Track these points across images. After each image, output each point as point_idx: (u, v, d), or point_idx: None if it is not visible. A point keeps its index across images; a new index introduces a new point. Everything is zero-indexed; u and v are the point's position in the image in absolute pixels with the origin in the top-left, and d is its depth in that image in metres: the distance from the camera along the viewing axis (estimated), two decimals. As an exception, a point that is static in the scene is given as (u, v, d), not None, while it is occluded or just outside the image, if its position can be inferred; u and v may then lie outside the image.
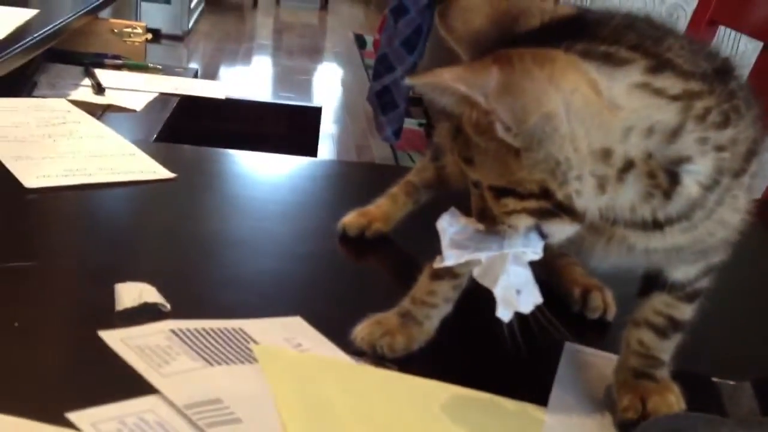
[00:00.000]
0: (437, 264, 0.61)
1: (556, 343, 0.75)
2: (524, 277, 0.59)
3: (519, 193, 0.55)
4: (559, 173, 0.54)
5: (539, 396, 0.66)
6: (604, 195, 0.56)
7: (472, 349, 0.74)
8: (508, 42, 0.56)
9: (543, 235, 0.58)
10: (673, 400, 0.65)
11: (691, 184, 0.56)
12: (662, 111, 0.54)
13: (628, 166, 0.55)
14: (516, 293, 0.58)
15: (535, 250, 0.58)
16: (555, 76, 0.52)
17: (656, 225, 0.58)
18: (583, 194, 0.55)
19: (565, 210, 0.55)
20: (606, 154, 0.54)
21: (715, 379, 0.71)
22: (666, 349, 0.66)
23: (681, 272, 0.65)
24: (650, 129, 0.54)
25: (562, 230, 0.57)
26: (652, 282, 0.66)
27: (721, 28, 1.66)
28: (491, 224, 0.58)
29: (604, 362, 0.72)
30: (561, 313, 0.65)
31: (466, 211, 0.67)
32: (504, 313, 0.58)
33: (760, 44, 1.51)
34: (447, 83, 0.53)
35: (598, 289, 0.82)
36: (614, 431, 0.64)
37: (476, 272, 0.59)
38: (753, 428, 0.63)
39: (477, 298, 0.70)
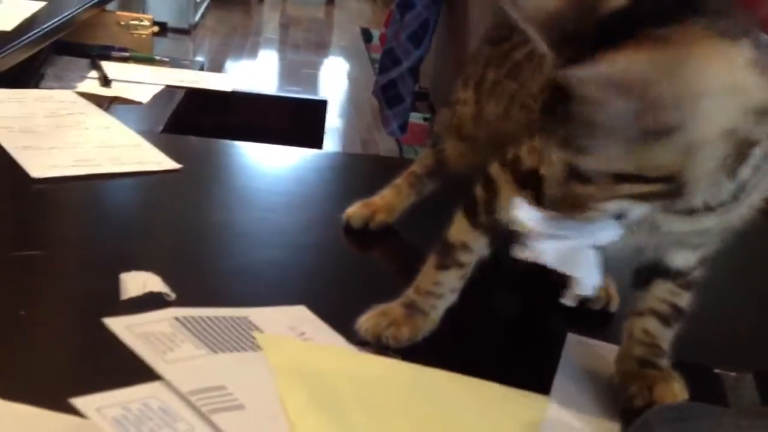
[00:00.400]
0: (524, 256, 0.58)
1: (559, 334, 0.75)
2: (594, 260, 0.59)
3: (644, 177, 0.53)
4: (694, 156, 0.52)
5: (542, 386, 0.67)
6: (722, 177, 0.54)
7: (476, 338, 0.74)
8: (594, 23, 0.52)
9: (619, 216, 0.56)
10: (677, 389, 0.66)
11: (747, 168, 0.55)
12: (763, 90, 0.52)
13: (746, 146, 0.53)
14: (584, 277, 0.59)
15: (616, 232, 0.57)
16: (702, 57, 0.50)
17: (707, 209, 0.57)
18: (706, 176, 0.54)
19: (681, 192, 0.53)
20: (730, 135, 0.52)
21: (717, 370, 0.72)
22: (668, 338, 0.67)
23: (682, 259, 0.65)
24: (756, 109, 0.52)
25: (643, 211, 0.56)
26: (651, 272, 0.67)
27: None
28: (579, 211, 0.56)
29: (606, 353, 0.72)
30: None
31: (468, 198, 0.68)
32: (573, 297, 0.59)
33: None
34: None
35: (602, 280, 0.82)
36: (615, 420, 0.64)
37: (553, 260, 0.58)
38: (754, 418, 0.63)
39: (481, 288, 0.71)
